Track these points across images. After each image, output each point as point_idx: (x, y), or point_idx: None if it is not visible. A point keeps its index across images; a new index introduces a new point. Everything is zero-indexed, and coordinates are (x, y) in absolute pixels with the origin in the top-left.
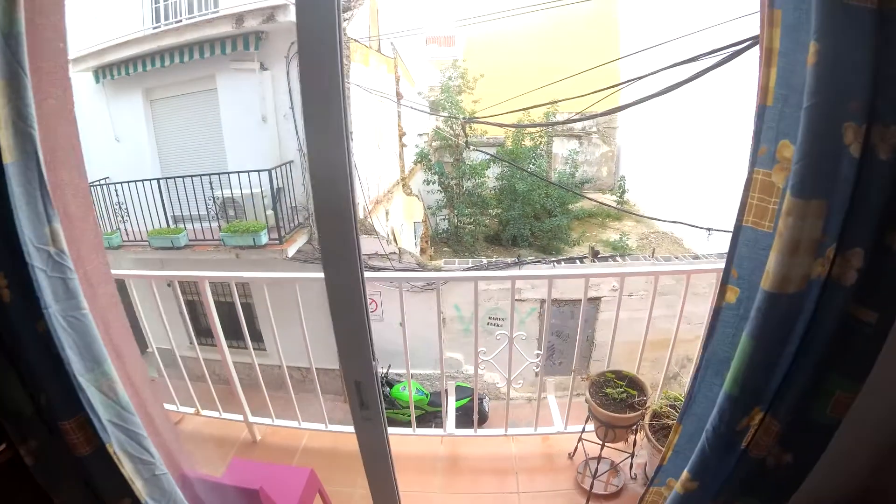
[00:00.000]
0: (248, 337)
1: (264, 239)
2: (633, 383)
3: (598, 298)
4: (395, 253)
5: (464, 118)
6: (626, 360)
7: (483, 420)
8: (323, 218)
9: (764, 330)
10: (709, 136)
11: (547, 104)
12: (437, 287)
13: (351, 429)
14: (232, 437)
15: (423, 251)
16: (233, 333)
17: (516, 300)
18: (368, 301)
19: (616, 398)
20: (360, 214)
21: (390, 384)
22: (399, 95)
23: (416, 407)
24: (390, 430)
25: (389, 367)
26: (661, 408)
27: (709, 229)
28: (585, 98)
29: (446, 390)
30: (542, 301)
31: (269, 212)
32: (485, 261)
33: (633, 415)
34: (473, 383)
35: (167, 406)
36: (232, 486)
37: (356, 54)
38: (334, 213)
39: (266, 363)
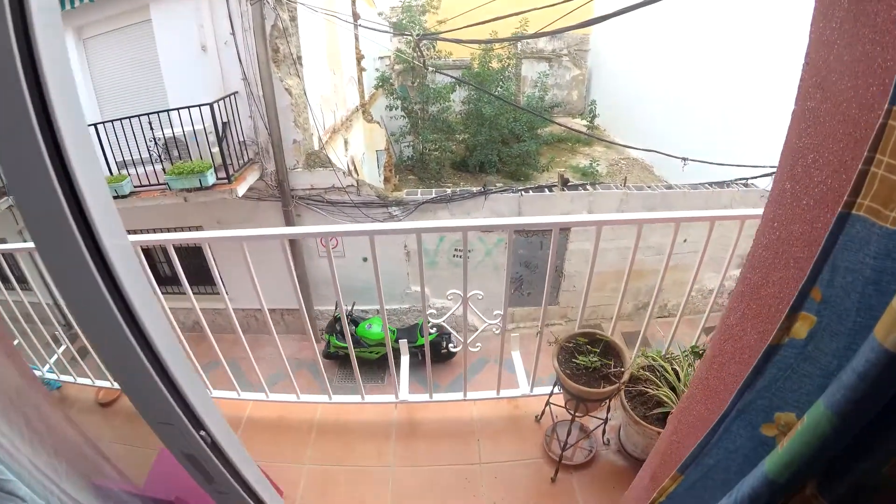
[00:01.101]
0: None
1: (211, 179)
2: (609, 349)
3: (567, 228)
4: (352, 186)
5: (418, 35)
6: (595, 290)
7: (450, 357)
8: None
9: (860, 404)
10: (686, 59)
11: (515, 14)
12: (372, 240)
13: (294, 398)
14: None
15: (387, 180)
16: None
17: (483, 231)
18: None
19: (588, 367)
20: (315, 146)
21: (355, 322)
22: (356, 16)
23: (382, 345)
24: (336, 398)
25: (354, 304)
26: (638, 371)
27: (684, 159)
28: (556, 9)
29: (398, 349)
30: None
31: (215, 149)
32: (449, 191)
33: (607, 389)
34: (425, 343)
35: (100, 383)
36: (143, 496)
37: None
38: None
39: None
